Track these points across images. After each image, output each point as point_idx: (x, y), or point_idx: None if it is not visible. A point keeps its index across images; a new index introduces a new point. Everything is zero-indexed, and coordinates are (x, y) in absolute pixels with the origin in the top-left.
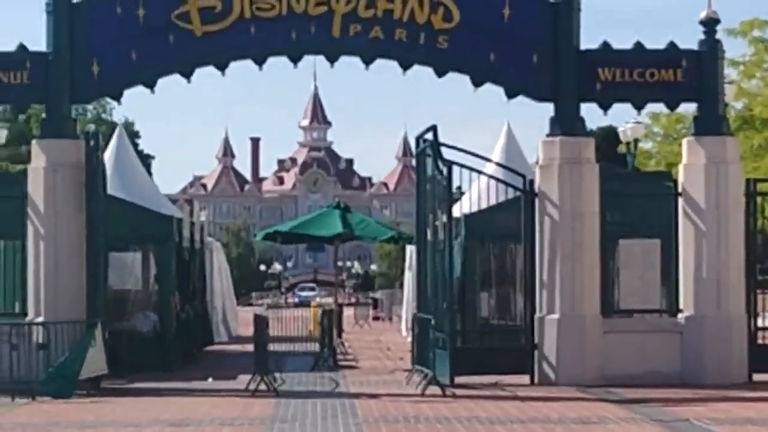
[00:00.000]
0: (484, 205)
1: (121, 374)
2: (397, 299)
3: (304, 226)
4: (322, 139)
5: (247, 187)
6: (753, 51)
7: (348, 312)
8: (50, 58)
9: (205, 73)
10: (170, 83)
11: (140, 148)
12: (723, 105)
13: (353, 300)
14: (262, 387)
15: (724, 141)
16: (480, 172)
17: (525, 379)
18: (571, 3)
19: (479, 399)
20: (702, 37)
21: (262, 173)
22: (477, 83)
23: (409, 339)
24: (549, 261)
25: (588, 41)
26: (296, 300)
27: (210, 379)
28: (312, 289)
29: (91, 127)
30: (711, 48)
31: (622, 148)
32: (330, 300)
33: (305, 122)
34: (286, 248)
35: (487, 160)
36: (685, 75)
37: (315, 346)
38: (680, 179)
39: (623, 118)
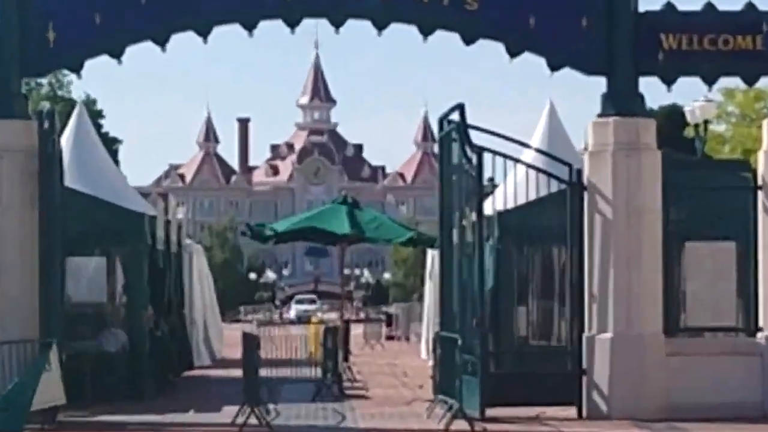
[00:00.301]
0: (521, 201)
1: (81, 405)
2: (416, 315)
3: (306, 226)
4: (325, 120)
5: (233, 178)
6: None
7: (356, 330)
8: None
9: (184, 41)
10: (141, 52)
11: (104, 130)
12: None
13: (362, 316)
14: (252, 421)
15: None
16: (517, 161)
17: (571, 411)
18: None
19: None
20: None
21: (251, 161)
22: (513, 53)
23: (431, 363)
24: (600, 268)
25: (649, 2)
26: (293, 316)
27: (191, 412)
28: (312, 302)
29: (46, 105)
30: None
31: (689, 132)
32: (334, 316)
33: (304, 100)
34: (281, 253)
35: (526, 146)
36: (767, 42)
37: (317, 372)
38: (760, 169)
39: (691, 95)
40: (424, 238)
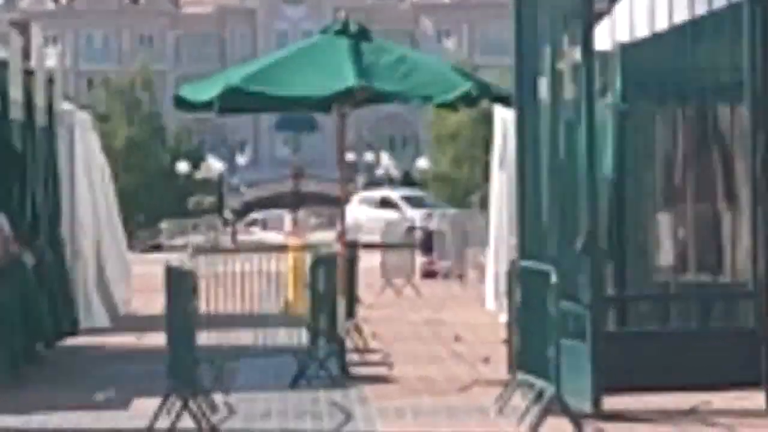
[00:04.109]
0: (662, 26)
1: None
2: (475, 233)
3: (272, 80)
4: None
5: None
6: None
7: (370, 261)
8: None
9: None
10: None
11: None
12: None
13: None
14: (186, 423)
15: None
16: None
17: (757, 399)
18: None
19: None
20: None
21: None
22: None
23: (504, 318)
24: None
25: None
26: (255, 234)
27: (101, 395)
28: (292, 210)
29: None
30: None
31: None
32: (330, 235)
33: None
34: (233, 127)
35: None
36: None
37: (299, 337)
38: None
39: None
40: (489, 93)
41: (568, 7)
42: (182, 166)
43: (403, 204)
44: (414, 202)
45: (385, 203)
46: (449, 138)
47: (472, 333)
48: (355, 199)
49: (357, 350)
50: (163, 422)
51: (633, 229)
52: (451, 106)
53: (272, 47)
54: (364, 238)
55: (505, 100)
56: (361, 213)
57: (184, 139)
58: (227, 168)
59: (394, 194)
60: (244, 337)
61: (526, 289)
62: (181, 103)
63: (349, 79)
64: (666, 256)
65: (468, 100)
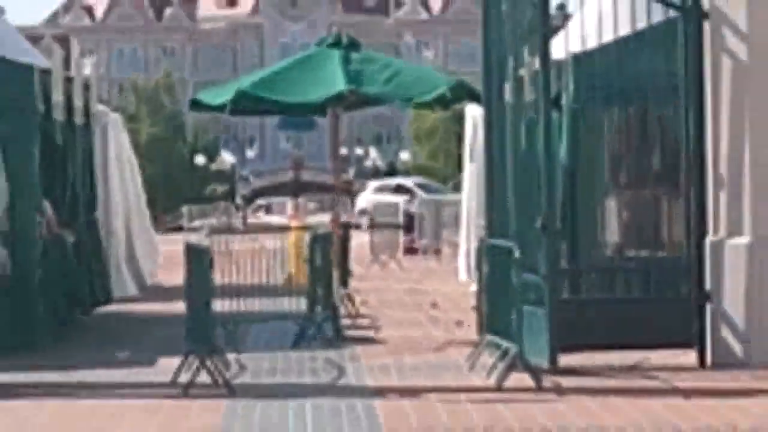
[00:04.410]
0: (608, 38)
1: None
2: (450, 215)
3: (276, 86)
4: None
5: (168, 11)
6: None
7: (360, 239)
8: None
9: None
10: None
11: None
12: None
13: (368, 218)
14: (203, 378)
15: None
16: None
17: (690, 356)
18: None
19: (604, 395)
20: None
21: None
22: None
23: (474, 288)
24: (731, 136)
25: None
26: (261, 217)
27: (122, 354)
28: (294, 195)
29: None
30: None
31: None
32: (326, 218)
33: None
34: (243, 124)
35: None
36: None
37: (299, 304)
38: None
39: None
40: (461, 94)
41: (527, 23)
42: (199, 159)
43: (417, 190)
44: (426, 189)
45: (400, 189)
46: (427, 134)
47: (447, 301)
48: (372, 185)
49: (349, 316)
50: (184, 377)
51: (584, 212)
52: (427, 106)
53: (276, 58)
54: (380, 219)
55: (476, 98)
56: (378, 198)
57: (201, 136)
58: (238, 161)
59: (408, 181)
60: (252, 304)
61: (492, 263)
62: (195, 105)
63: (339, 84)
64: (612, 234)
65: (443, 102)
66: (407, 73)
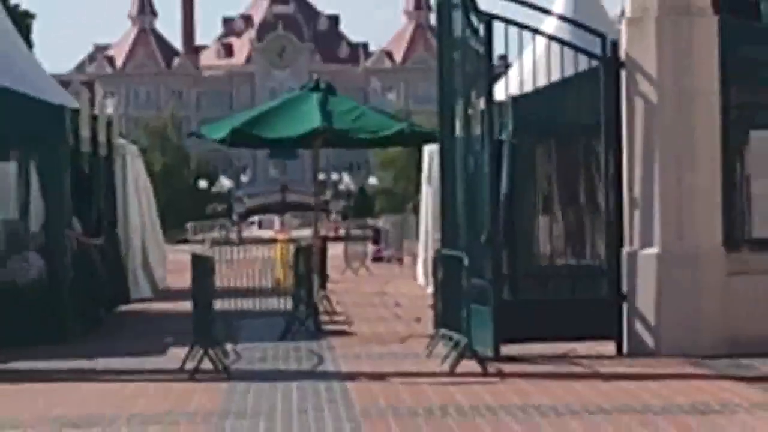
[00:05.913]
0: (542, 83)
1: None
2: (410, 229)
3: (265, 123)
4: None
5: (176, 61)
6: None
7: (335, 250)
8: None
9: None
10: None
11: (13, 1)
12: None
13: (342, 232)
14: (206, 365)
15: None
16: (536, 32)
17: (609, 347)
18: None
19: (539, 378)
20: None
21: (199, 40)
22: None
23: (430, 290)
24: (643, 166)
25: None
26: (253, 231)
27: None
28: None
29: None
30: None
31: None
32: (307, 232)
33: None
34: (238, 154)
35: (547, 12)
36: None
37: (286, 303)
38: None
39: None
40: (419, 132)
41: (475, 69)
42: (202, 183)
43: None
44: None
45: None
46: (390, 162)
47: (408, 300)
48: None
49: (327, 313)
50: (190, 364)
51: (521, 228)
52: (389, 142)
53: (266, 99)
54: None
55: (428, 138)
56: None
57: (203, 164)
58: (234, 184)
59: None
60: (247, 303)
61: (446, 270)
62: (193, 135)
63: (316, 121)
64: (545, 246)
65: (403, 136)
66: (370, 115)
